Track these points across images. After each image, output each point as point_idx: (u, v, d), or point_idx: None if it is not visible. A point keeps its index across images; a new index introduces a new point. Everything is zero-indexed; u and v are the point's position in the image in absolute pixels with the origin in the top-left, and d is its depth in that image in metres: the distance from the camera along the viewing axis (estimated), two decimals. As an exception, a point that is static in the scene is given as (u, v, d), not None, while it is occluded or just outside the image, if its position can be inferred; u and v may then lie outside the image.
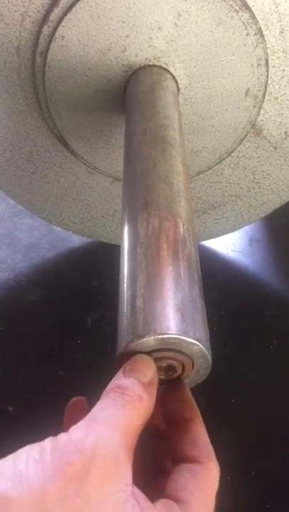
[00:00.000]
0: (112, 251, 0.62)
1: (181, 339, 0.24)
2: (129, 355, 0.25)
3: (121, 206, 0.35)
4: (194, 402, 0.27)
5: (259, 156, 0.55)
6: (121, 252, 0.31)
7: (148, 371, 0.24)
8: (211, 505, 0.24)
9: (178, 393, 0.27)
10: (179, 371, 0.26)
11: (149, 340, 0.24)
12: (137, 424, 0.23)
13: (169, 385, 0.27)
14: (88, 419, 0.22)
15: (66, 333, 0.57)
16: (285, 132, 0.53)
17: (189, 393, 0.27)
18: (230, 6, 0.43)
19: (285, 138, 0.53)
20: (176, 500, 0.23)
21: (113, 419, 0.22)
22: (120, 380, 0.24)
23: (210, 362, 0.25)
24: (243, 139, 0.53)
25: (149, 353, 0.25)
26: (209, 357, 0.25)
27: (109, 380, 0.25)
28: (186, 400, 0.27)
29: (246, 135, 0.52)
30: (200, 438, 0.25)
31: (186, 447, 0.25)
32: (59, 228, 0.65)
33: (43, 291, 0.62)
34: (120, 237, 0.32)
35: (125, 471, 0.21)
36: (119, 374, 0.25)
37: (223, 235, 0.65)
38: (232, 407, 0.49)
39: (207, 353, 0.25)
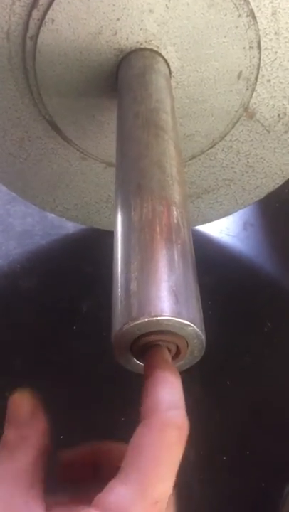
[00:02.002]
0: (107, 237, 0.62)
1: (175, 320, 0.24)
2: (125, 337, 0.25)
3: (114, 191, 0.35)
4: (164, 359, 0.25)
5: (252, 140, 0.55)
6: (114, 236, 0.31)
7: (21, 409, 0.25)
8: (161, 466, 0.20)
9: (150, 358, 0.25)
10: (174, 352, 0.26)
11: (144, 322, 0.24)
12: (30, 462, 0.23)
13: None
14: None
15: (61, 319, 0.57)
16: (278, 115, 0.52)
17: (162, 354, 0.25)
18: (222, -13, 0.42)
19: (278, 121, 0.53)
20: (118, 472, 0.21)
21: (4, 476, 0.22)
22: (4, 433, 0.24)
23: (204, 343, 0.26)
24: (236, 123, 0.52)
25: (143, 335, 0.25)
26: (203, 338, 0.25)
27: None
28: (157, 360, 0.25)
29: (239, 118, 0.52)
30: (152, 389, 0.23)
31: (142, 406, 0.22)
32: (53, 215, 0.65)
33: (37, 278, 0.62)
34: (114, 222, 0.32)
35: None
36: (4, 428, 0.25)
37: (217, 219, 0.65)
38: (227, 389, 0.50)
39: (201, 334, 0.25)
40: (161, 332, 0.25)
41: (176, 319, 0.24)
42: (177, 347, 0.26)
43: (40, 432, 0.24)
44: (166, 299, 0.25)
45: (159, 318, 0.24)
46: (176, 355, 0.26)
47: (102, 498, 0.20)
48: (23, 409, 0.25)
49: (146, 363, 0.25)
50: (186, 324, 0.25)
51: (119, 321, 0.25)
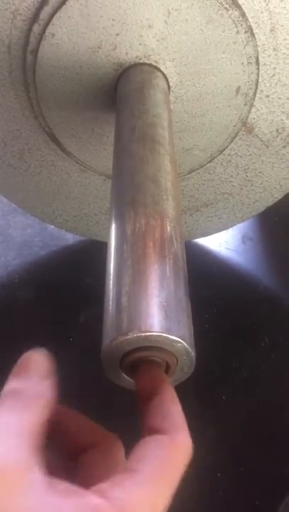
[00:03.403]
0: (105, 249, 0.63)
1: (165, 337, 0.24)
2: (114, 352, 0.25)
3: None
4: (165, 377, 0.26)
5: (251, 154, 0.55)
6: (108, 249, 0.31)
7: (40, 365, 0.24)
8: (170, 477, 0.21)
9: (146, 373, 0.26)
10: (164, 369, 0.26)
11: (133, 338, 0.24)
12: (38, 425, 0.21)
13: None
14: None
15: (59, 330, 0.57)
16: (277, 130, 0.53)
17: (159, 369, 0.26)
18: (220, 3, 0.43)
19: (277, 136, 0.53)
20: (127, 470, 0.21)
21: (10, 426, 0.20)
22: (13, 383, 0.23)
23: (194, 360, 0.26)
24: (234, 137, 0.53)
25: (133, 350, 0.25)
26: (193, 354, 0.25)
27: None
28: (155, 375, 0.25)
29: (238, 133, 0.52)
30: (168, 410, 0.24)
31: (153, 421, 0.23)
32: (52, 226, 0.65)
33: (36, 289, 0.62)
34: (107, 235, 0.32)
35: (31, 475, 0.19)
36: (12, 377, 0.23)
37: (215, 232, 0.65)
38: (223, 404, 0.50)
39: (191, 350, 0.25)
40: (151, 348, 0.25)
41: (166, 335, 0.24)
42: (167, 363, 0.26)
43: (53, 396, 0.23)
44: (156, 314, 0.25)
45: (148, 333, 0.24)
46: (166, 371, 0.26)
47: (111, 492, 0.20)
48: (41, 364, 0.24)
49: (144, 378, 0.25)
50: (175, 340, 0.24)
51: (108, 336, 0.25)
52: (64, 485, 0.20)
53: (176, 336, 0.24)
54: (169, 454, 0.22)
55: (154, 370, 0.25)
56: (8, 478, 0.18)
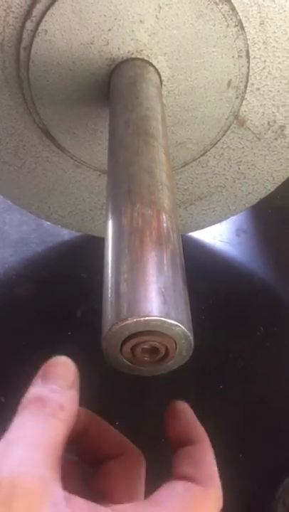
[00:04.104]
0: (101, 244, 0.63)
1: (163, 321, 0.25)
2: (114, 337, 0.25)
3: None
4: (201, 426, 0.26)
5: (243, 147, 0.56)
6: (105, 239, 0.31)
7: (68, 373, 0.23)
8: None
9: (180, 415, 0.26)
10: (163, 353, 0.27)
11: (132, 323, 0.25)
12: (61, 437, 0.21)
13: (171, 408, 0.27)
14: (5, 441, 0.20)
15: (57, 325, 0.57)
16: (268, 123, 0.53)
17: (193, 416, 0.26)
18: (210, -2, 0.43)
19: (268, 128, 0.54)
20: (152, 501, 0.21)
21: (34, 438, 0.20)
22: (39, 388, 0.22)
23: (192, 343, 0.26)
24: (226, 130, 0.53)
25: (132, 335, 0.26)
26: (191, 338, 0.26)
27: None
28: (190, 422, 0.26)
29: (230, 126, 0.53)
30: (203, 461, 0.24)
31: (187, 469, 0.23)
32: (48, 223, 0.65)
33: (33, 285, 0.63)
34: (104, 226, 0.32)
35: (53, 490, 0.19)
36: (37, 381, 0.23)
37: (210, 225, 0.66)
38: (220, 393, 0.50)
39: (189, 334, 0.26)
40: (150, 333, 0.25)
41: (164, 319, 0.25)
42: (166, 348, 0.27)
43: (77, 407, 0.22)
44: (154, 299, 0.26)
45: (147, 318, 0.25)
46: (165, 355, 0.27)
47: None
48: (67, 372, 0.23)
49: (180, 423, 0.26)
50: (174, 324, 0.25)
51: (108, 322, 0.26)
52: (82, 501, 0.20)
53: (174, 320, 0.25)
54: (198, 502, 0.22)
55: (189, 414, 0.26)
56: (32, 494, 0.19)
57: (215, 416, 0.48)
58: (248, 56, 0.47)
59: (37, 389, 0.22)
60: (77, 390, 0.23)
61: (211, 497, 0.22)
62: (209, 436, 0.26)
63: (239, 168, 0.58)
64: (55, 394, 0.22)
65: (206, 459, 0.24)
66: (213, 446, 0.25)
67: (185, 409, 0.27)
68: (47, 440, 0.20)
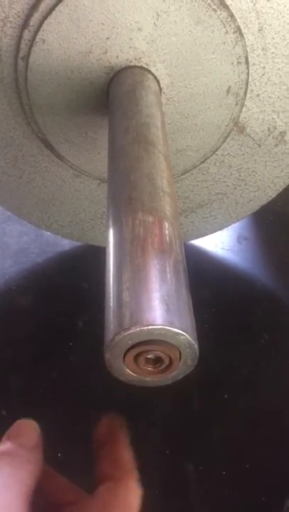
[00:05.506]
0: (102, 254, 0.63)
1: (167, 329, 0.24)
2: (117, 347, 0.25)
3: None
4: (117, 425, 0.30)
5: (243, 154, 0.55)
6: (106, 248, 0.31)
7: (32, 434, 0.26)
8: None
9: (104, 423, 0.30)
10: (167, 363, 0.26)
11: (135, 332, 0.24)
12: (30, 484, 0.24)
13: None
14: None
15: (58, 335, 0.57)
16: (268, 129, 0.53)
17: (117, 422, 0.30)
18: (208, 5, 0.43)
19: (268, 135, 0.54)
20: None
21: (13, 487, 0.23)
22: (6, 446, 0.26)
23: (197, 352, 0.26)
24: (226, 137, 0.53)
25: (135, 345, 0.25)
26: (196, 347, 0.25)
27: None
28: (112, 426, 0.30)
29: (230, 133, 0.53)
30: (120, 457, 0.27)
31: (108, 468, 0.27)
32: (48, 233, 0.65)
33: (33, 295, 0.62)
34: (105, 234, 0.32)
35: None
36: (4, 440, 0.26)
37: (211, 233, 0.65)
38: (225, 402, 0.50)
39: (194, 342, 0.25)
40: (154, 342, 0.25)
41: (168, 328, 0.24)
42: (170, 358, 0.26)
43: (41, 463, 0.26)
44: (157, 308, 0.25)
45: (150, 327, 0.24)
46: (169, 365, 0.26)
47: None
48: (31, 434, 0.26)
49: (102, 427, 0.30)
50: (178, 333, 0.24)
51: (111, 331, 0.25)
52: None
53: (178, 329, 0.24)
54: (126, 501, 0.25)
55: (112, 422, 0.30)
56: None
57: (219, 425, 0.47)
58: (247, 62, 0.47)
59: (7, 446, 0.26)
60: (40, 449, 0.26)
61: (133, 488, 0.26)
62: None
63: (240, 175, 0.58)
64: (21, 451, 0.25)
65: (121, 453, 0.28)
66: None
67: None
68: (21, 489, 0.24)
